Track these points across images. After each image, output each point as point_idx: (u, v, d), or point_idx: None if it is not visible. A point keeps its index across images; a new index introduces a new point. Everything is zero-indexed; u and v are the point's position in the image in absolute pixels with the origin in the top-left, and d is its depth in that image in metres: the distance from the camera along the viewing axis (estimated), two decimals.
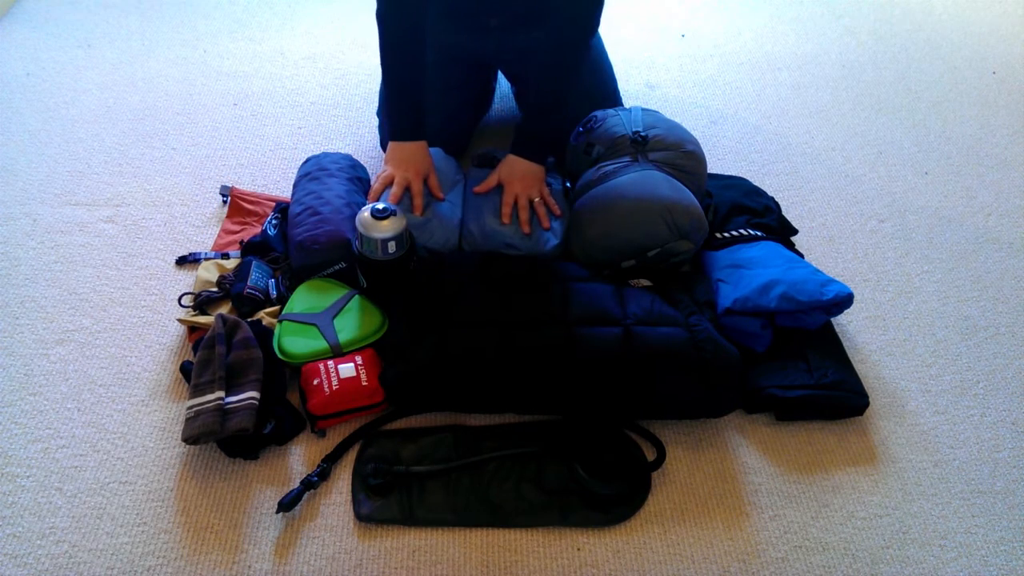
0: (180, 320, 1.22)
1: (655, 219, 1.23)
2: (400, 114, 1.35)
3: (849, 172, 1.68)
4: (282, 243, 1.33)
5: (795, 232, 1.45)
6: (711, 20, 2.18)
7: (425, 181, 1.33)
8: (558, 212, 1.34)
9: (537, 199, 1.32)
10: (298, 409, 1.13)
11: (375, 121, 1.65)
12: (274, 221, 1.36)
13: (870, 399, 1.18)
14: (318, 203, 1.30)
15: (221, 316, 1.15)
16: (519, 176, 1.33)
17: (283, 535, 1.01)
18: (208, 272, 1.27)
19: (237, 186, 1.49)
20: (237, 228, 1.42)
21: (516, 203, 1.31)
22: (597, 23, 1.31)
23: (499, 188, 1.35)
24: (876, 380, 1.25)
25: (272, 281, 1.26)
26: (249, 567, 0.97)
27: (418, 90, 1.32)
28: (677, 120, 1.44)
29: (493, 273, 1.24)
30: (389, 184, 1.30)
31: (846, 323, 1.33)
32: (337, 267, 1.26)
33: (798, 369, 1.19)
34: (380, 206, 1.15)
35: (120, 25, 2.00)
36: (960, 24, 2.25)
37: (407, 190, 1.30)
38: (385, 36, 1.28)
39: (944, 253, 1.50)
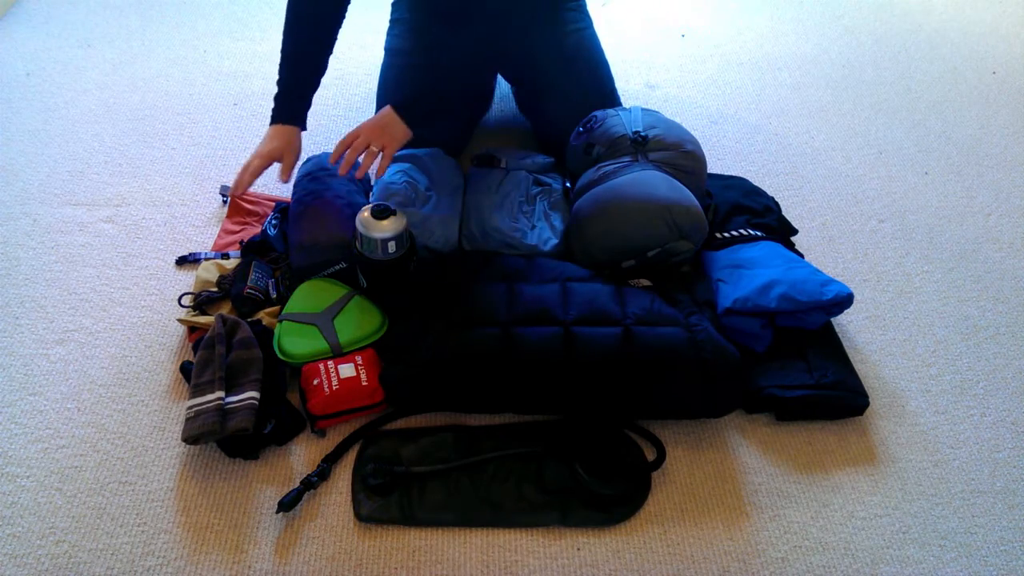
0: (180, 320, 1.22)
1: (655, 219, 1.23)
2: (290, 94, 1.32)
3: (849, 172, 1.68)
4: (282, 243, 1.33)
5: (795, 232, 1.45)
6: (711, 20, 2.18)
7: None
8: (380, 174, 1.30)
9: (375, 150, 1.26)
10: (298, 409, 1.13)
11: None
12: (274, 221, 1.36)
13: (870, 399, 1.18)
14: (318, 203, 1.30)
15: (221, 316, 1.15)
16: (378, 124, 1.28)
17: (283, 535, 1.01)
18: (208, 272, 1.27)
19: None
20: (237, 228, 1.42)
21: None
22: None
23: (499, 184, 1.34)
24: (876, 380, 1.25)
25: (272, 281, 1.26)
26: (249, 567, 0.97)
27: (314, 69, 1.32)
28: (677, 120, 1.44)
29: (493, 273, 1.24)
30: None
31: (846, 323, 1.33)
32: (337, 267, 1.26)
33: (798, 369, 1.19)
34: (380, 206, 1.15)
35: (120, 25, 2.00)
36: (960, 24, 2.25)
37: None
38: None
39: (944, 253, 1.50)
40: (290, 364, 1.14)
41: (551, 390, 1.11)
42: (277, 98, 1.33)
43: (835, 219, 1.55)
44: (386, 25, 1.60)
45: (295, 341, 1.16)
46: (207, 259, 1.33)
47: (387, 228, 1.15)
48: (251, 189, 1.50)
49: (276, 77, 1.33)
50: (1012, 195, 1.65)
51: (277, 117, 1.33)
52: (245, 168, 1.29)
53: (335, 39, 1.33)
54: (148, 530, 1.00)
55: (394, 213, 1.16)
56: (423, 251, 1.29)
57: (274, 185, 1.54)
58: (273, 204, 1.46)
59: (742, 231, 1.35)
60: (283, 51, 1.32)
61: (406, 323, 1.18)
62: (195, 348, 1.14)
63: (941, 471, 1.14)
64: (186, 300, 1.25)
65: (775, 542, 1.04)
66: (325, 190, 1.33)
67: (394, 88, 1.51)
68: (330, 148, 1.62)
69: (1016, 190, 1.66)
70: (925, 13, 2.30)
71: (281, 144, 1.32)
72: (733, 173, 1.60)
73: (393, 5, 1.59)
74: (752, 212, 1.41)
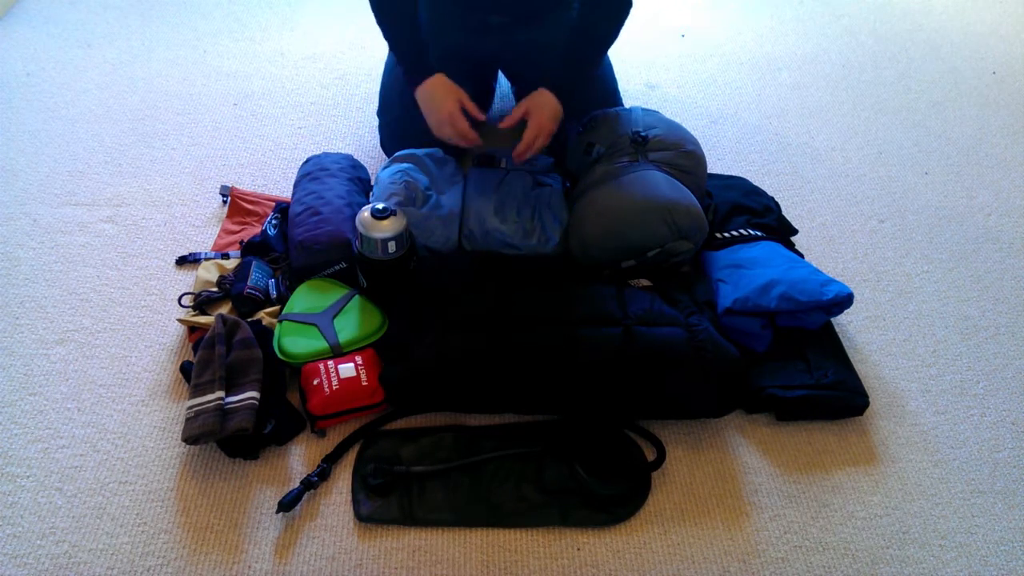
0: (180, 320, 1.22)
1: (655, 219, 1.23)
2: (405, 57, 1.36)
3: (849, 172, 1.68)
4: (282, 243, 1.33)
5: (795, 232, 1.45)
6: (711, 20, 2.18)
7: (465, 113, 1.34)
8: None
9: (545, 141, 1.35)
10: (298, 409, 1.13)
11: (375, 121, 1.65)
12: (274, 221, 1.36)
13: (870, 399, 1.18)
14: (319, 203, 1.30)
15: (221, 316, 1.15)
16: (549, 114, 1.33)
17: (283, 535, 1.01)
18: (208, 272, 1.27)
19: (237, 186, 1.49)
20: (237, 228, 1.42)
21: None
22: None
23: (499, 184, 1.34)
24: (876, 380, 1.25)
25: (272, 281, 1.26)
26: (249, 567, 0.97)
27: (415, 26, 1.34)
28: (677, 120, 1.44)
29: (493, 273, 1.24)
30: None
31: (846, 323, 1.33)
32: (337, 267, 1.26)
33: (798, 369, 1.19)
34: (380, 206, 1.15)
35: (120, 25, 1.99)
36: (960, 24, 2.25)
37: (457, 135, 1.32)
38: None
39: (944, 253, 1.50)
40: (290, 364, 1.14)
41: (551, 390, 1.11)
42: (409, 61, 1.35)
43: (835, 219, 1.55)
44: None
45: (295, 341, 1.16)
46: (207, 259, 1.33)
47: (387, 228, 1.15)
48: (250, 189, 1.51)
49: (394, 56, 1.38)
50: (1012, 195, 1.65)
51: (419, 77, 1.34)
52: (452, 123, 1.31)
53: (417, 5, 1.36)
54: (148, 530, 1.00)
55: (394, 213, 1.16)
56: (423, 251, 1.29)
57: (274, 185, 1.54)
58: (273, 204, 1.46)
59: (742, 231, 1.35)
60: (386, 30, 1.35)
61: (406, 323, 1.18)
62: (195, 348, 1.14)
63: (941, 471, 1.14)
64: (186, 300, 1.25)
65: (775, 542, 1.04)
66: (325, 190, 1.33)
67: (400, 88, 1.51)
68: (330, 148, 1.63)
69: (1016, 190, 1.67)
70: (925, 13, 2.30)
71: (447, 88, 1.33)
72: (733, 173, 1.60)
73: None
74: (752, 212, 1.41)
